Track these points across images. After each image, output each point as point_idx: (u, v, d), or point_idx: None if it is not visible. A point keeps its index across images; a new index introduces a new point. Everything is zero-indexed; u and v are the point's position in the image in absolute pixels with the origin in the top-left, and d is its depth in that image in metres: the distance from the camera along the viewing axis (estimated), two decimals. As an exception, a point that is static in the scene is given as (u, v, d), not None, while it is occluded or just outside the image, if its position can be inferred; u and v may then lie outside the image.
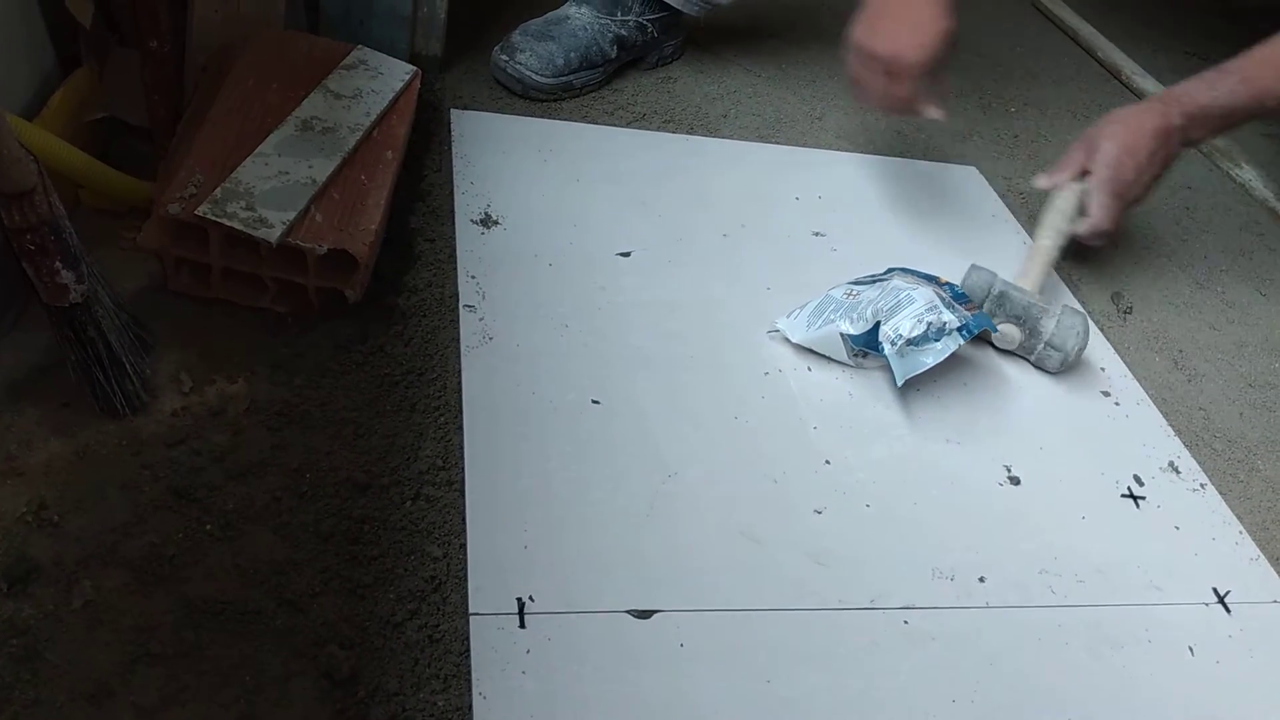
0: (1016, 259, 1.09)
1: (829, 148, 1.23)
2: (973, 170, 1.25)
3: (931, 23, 0.96)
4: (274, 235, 0.78)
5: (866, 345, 0.85)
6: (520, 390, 0.80)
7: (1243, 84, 1.01)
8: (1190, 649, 0.75)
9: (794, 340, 0.89)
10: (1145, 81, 1.60)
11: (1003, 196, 1.23)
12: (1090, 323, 0.97)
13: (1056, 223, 1.04)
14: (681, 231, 1.01)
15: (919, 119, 1.03)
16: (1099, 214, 1.02)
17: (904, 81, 0.97)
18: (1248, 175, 1.43)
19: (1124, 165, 1.01)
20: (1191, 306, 1.15)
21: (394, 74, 0.99)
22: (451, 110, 1.10)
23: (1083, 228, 1.04)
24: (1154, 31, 1.82)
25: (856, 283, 0.91)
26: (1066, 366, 0.95)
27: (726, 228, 1.03)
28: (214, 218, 0.78)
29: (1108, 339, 1.04)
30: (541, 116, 1.14)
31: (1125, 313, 1.10)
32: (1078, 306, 1.06)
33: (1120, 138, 1.02)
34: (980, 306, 0.93)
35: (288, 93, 0.93)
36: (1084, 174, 1.05)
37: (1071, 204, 1.05)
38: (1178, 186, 1.38)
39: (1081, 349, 0.93)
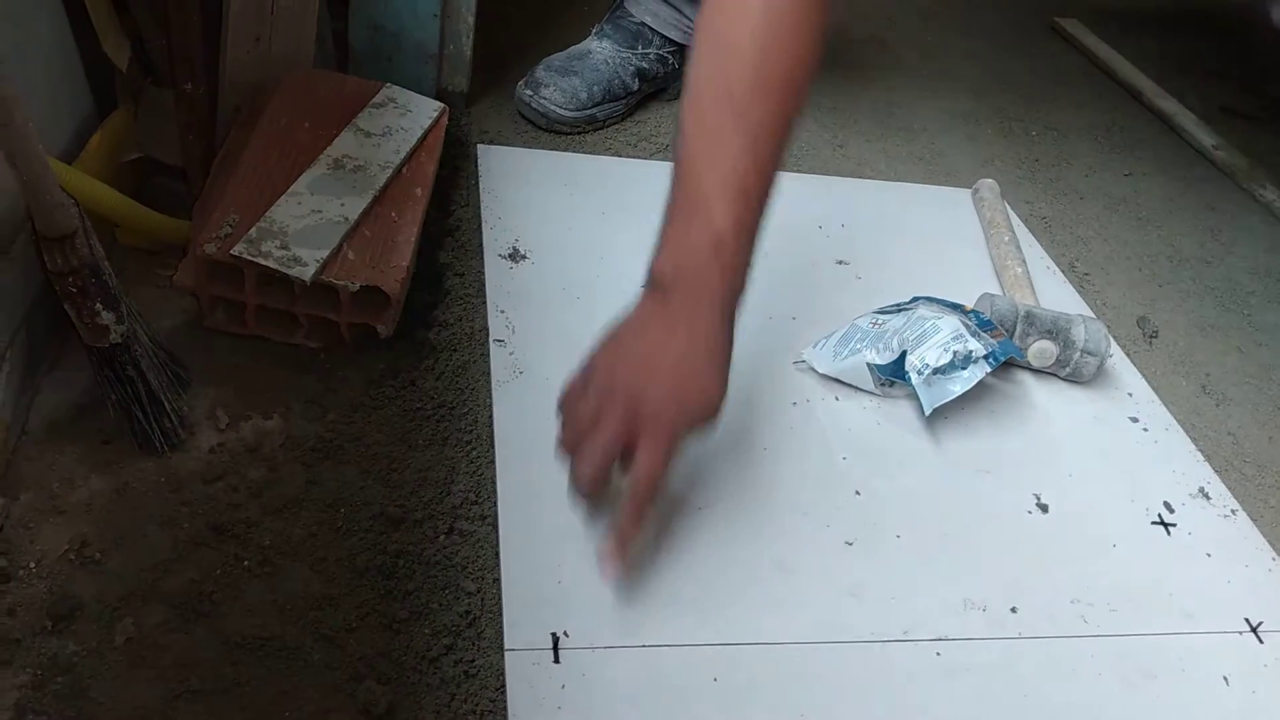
0: (1043, 281, 1.09)
1: (851, 175, 1.24)
2: (992, 183, 1.25)
3: (709, 376, 0.68)
4: (308, 274, 0.79)
5: (893, 375, 0.86)
6: (552, 424, 0.80)
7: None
8: (1225, 679, 0.74)
9: (821, 370, 0.90)
10: (1166, 103, 1.60)
11: (1025, 220, 1.23)
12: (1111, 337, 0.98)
13: (1012, 243, 1.07)
14: (706, 262, 1.02)
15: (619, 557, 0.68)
16: None
17: (653, 450, 0.65)
18: (1272, 196, 1.42)
19: None
20: (1218, 330, 1.15)
21: (422, 111, 1.01)
22: (478, 146, 1.11)
23: None
24: (1174, 50, 1.83)
25: (882, 312, 0.91)
26: (1100, 372, 0.95)
27: (751, 257, 1.04)
28: (249, 257, 0.79)
29: (1134, 364, 1.04)
30: (566, 150, 1.15)
31: (1151, 337, 1.10)
32: (1089, 314, 1.06)
33: None
34: (1012, 330, 0.94)
35: (319, 131, 0.94)
36: None
37: (1004, 214, 1.08)
38: (1201, 208, 1.37)
39: (1109, 352, 0.95)
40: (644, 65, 1.21)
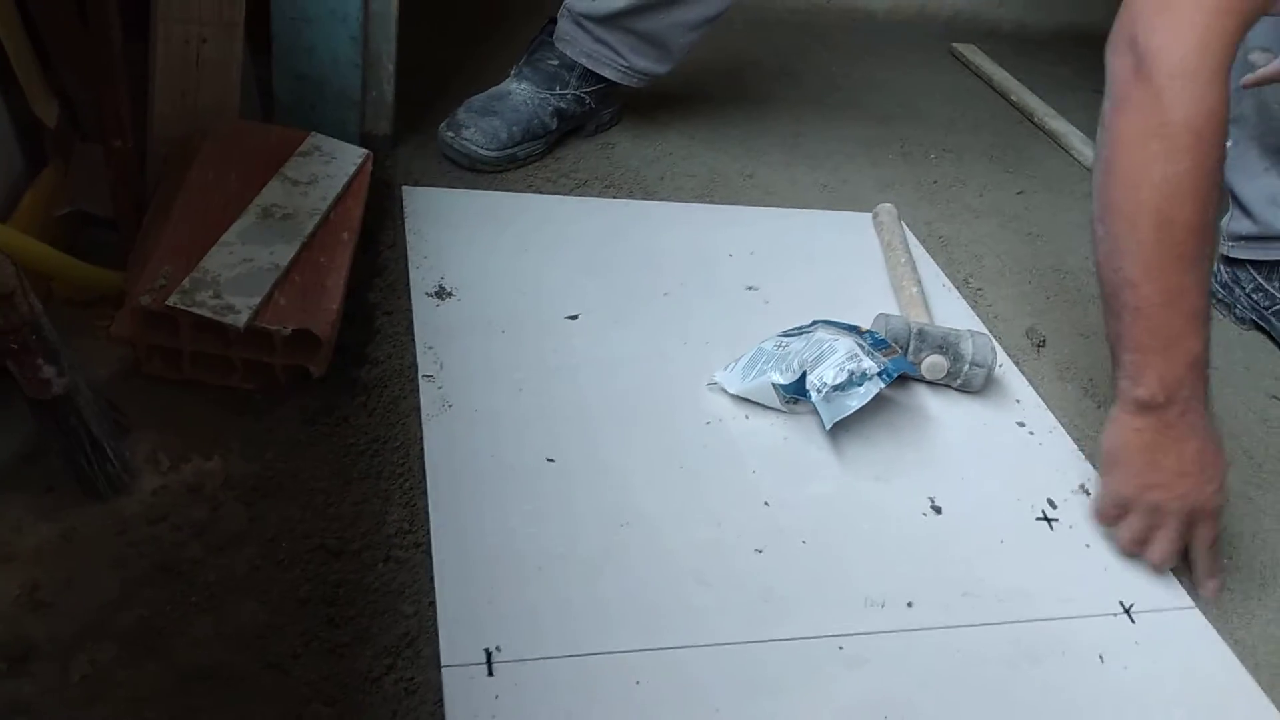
0: (939, 297, 1.17)
1: (759, 203, 1.32)
2: (889, 207, 1.33)
3: (1219, 466, 0.87)
4: (241, 320, 0.84)
5: (796, 393, 0.93)
6: (479, 453, 0.86)
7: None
8: (1100, 657, 0.82)
9: (731, 391, 0.97)
10: (1056, 123, 1.71)
11: (924, 240, 1.32)
12: (998, 346, 1.06)
13: (908, 264, 1.17)
14: (626, 292, 1.08)
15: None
16: None
17: (1209, 531, 0.88)
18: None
19: None
20: (1100, 335, 1.24)
21: (347, 158, 1.06)
22: (403, 188, 1.16)
23: None
24: (1064, 71, 1.95)
25: (785, 335, 0.98)
26: (989, 382, 1.04)
27: (667, 286, 1.11)
28: (184, 307, 0.83)
29: (1022, 372, 1.12)
30: (488, 189, 1.21)
31: (1039, 345, 1.19)
32: (979, 328, 1.15)
33: None
34: (907, 346, 1.01)
35: (247, 181, 0.99)
36: None
37: (901, 236, 1.17)
38: (1086, 223, 1.47)
39: (996, 363, 1.04)
40: (562, 105, 1.27)
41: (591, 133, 1.35)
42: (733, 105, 1.55)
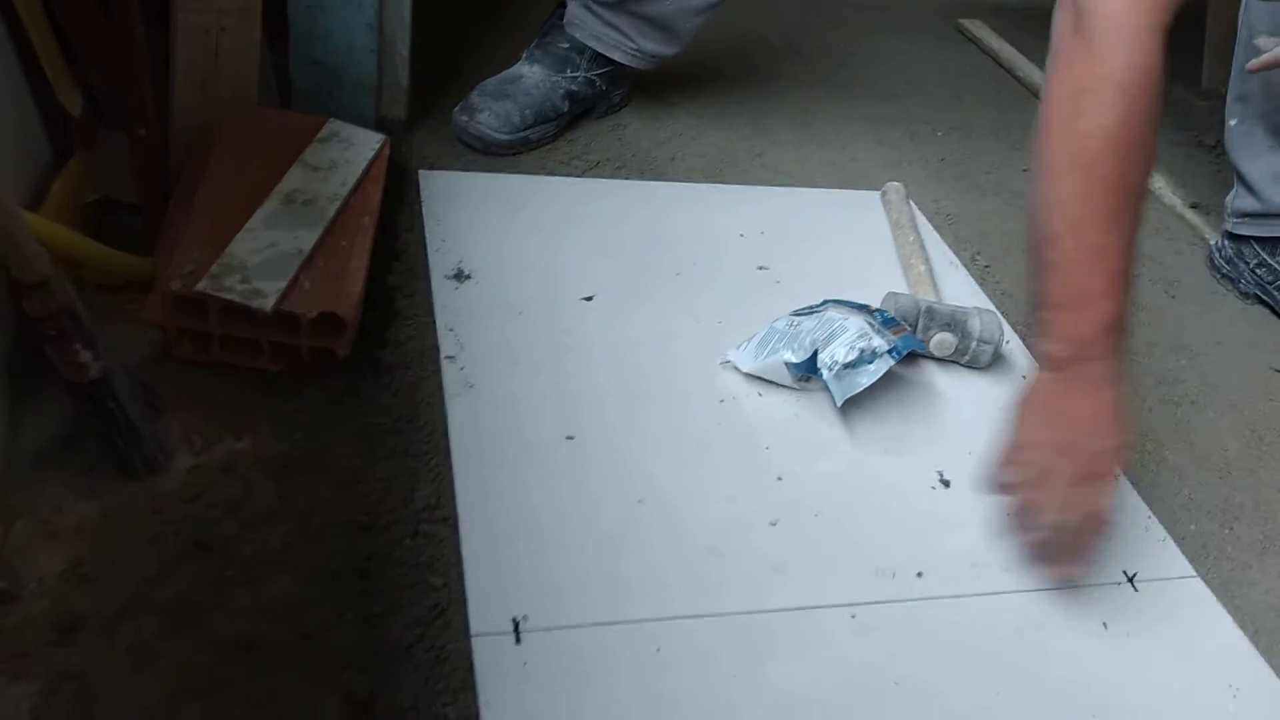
0: (947, 275, 1.19)
1: (769, 184, 1.33)
2: (898, 185, 1.34)
3: (1120, 433, 0.83)
4: (268, 304, 0.86)
5: (808, 371, 0.95)
6: (501, 431, 0.89)
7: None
8: (1104, 624, 0.85)
9: (744, 370, 0.99)
10: (1061, 99, 1.72)
11: (931, 218, 1.33)
12: (1004, 323, 1.08)
13: (916, 243, 1.19)
14: (639, 273, 1.10)
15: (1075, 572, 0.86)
16: None
17: (1098, 493, 0.82)
18: (1157, 183, 1.55)
19: None
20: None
21: (365, 143, 1.08)
22: (420, 172, 1.18)
23: None
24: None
25: (797, 314, 1.01)
26: (996, 358, 1.06)
27: (680, 267, 1.13)
28: (214, 292, 0.86)
29: (1029, 348, 1.14)
30: (503, 171, 1.23)
31: (1045, 322, 1.21)
32: (986, 305, 1.17)
33: None
34: (915, 324, 1.03)
35: (269, 167, 1.01)
36: None
37: (909, 215, 1.19)
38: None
39: (1003, 339, 1.06)
40: (573, 88, 1.29)
41: (602, 114, 1.37)
42: (741, 84, 1.56)
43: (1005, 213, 1.40)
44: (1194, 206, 1.52)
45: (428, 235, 1.09)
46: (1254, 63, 1.14)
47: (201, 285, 0.86)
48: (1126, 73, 0.79)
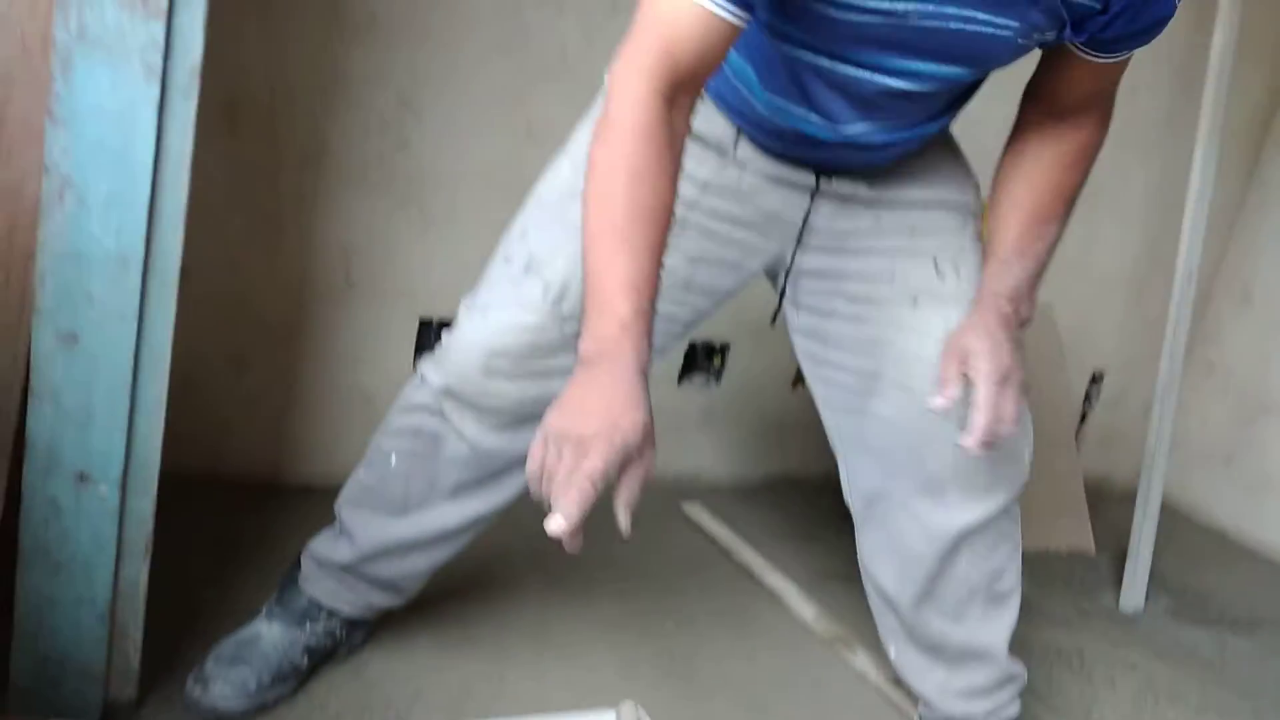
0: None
1: (508, 713, 1.38)
2: (631, 705, 1.42)
3: (631, 411, 0.95)
4: None
5: None
6: None
7: (1027, 260, 1.20)
8: None
9: None
10: (773, 578, 1.90)
11: (668, 733, 1.41)
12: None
13: None
14: None
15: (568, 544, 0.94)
16: (1008, 406, 1.13)
17: (595, 456, 0.92)
18: (863, 663, 1.71)
19: (1001, 357, 1.14)
20: None
21: (84, 748, 1.06)
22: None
23: (980, 429, 1.12)
24: (777, 517, 2.19)
25: None
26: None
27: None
28: None
29: None
30: (235, 738, 1.22)
31: None
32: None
33: (984, 338, 1.15)
34: None
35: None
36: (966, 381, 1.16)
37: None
38: (808, 685, 1.63)
39: None
40: (311, 642, 1.34)
41: (344, 656, 1.41)
42: (480, 601, 1.65)
43: (732, 715, 1.50)
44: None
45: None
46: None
47: None
48: (628, 119, 0.99)
